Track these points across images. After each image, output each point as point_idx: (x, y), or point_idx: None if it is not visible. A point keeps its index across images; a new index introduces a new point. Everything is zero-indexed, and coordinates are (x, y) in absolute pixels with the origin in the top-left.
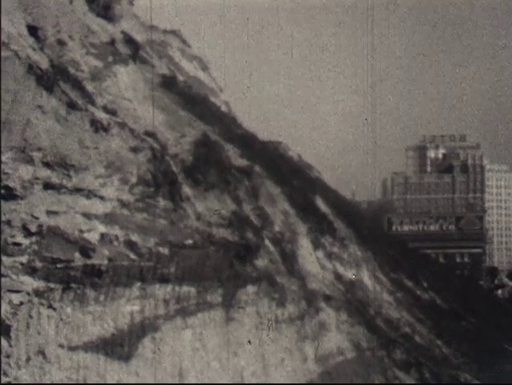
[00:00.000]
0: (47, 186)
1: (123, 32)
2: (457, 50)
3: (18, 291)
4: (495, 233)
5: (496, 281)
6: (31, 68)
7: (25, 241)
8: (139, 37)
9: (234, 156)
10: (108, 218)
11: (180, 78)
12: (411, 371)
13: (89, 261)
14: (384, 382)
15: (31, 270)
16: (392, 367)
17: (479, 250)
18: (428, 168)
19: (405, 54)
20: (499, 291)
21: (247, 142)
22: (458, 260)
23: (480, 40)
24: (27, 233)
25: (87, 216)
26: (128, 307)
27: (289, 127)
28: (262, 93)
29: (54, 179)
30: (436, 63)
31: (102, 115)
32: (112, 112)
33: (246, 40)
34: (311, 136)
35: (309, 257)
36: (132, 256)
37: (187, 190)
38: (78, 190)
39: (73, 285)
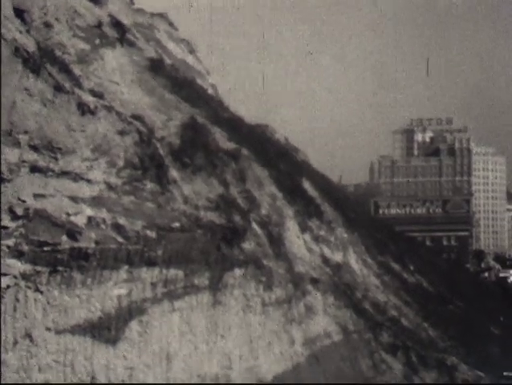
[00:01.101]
0: (34, 169)
1: (110, 15)
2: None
3: (4, 274)
4: (482, 216)
5: (483, 264)
6: (18, 51)
7: (11, 225)
8: (126, 20)
9: (221, 139)
10: (95, 201)
11: (168, 61)
12: (398, 354)
13: (76, 244)
14: (371, 365)
15: (18, 253)
16: (378, 350)
17: (466, 233)
18: (416, 152)
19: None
20: (486, 274)
21: (234, 125)
22: (445, 243)
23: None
24: (14, 216)
25: (74, 199)
26: (115, 290)
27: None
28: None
29: (41, 162)
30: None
31: (89, 98)
32: (99, 95)
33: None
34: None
35: (296, 240)
36: (120, 239)
37: (174, 173)
38: (65, 173)
39: (60, 268)
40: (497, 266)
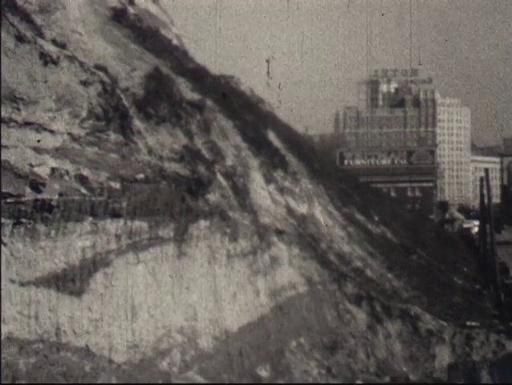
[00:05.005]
0: None
1: None
2: None
3: None
4: (446, 167)
5: (447, 215)
6: None
7: None
8: None
9: (186, 90)
10: (59, 152)
11: (131, 10)
12: (362, 305)
13: (40, 196)
14: (336, 315)
15: None
16: (343, 301)
17: (430, 184)
18: (381, 102)
19: None
20: (450, 225)
21: (199, 76)
22: (409, 194)
23: None
24: None
25: (38, 150)
26: (79, 242)
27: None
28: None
29: (4, 113)
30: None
31: (51, 48)
32: (62, 45)
33: None
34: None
35: (261, 192)
36: (83, 190)
37: (138, 124)
38: (28, 124)
39: (24, 220)
40: (461, 217)
